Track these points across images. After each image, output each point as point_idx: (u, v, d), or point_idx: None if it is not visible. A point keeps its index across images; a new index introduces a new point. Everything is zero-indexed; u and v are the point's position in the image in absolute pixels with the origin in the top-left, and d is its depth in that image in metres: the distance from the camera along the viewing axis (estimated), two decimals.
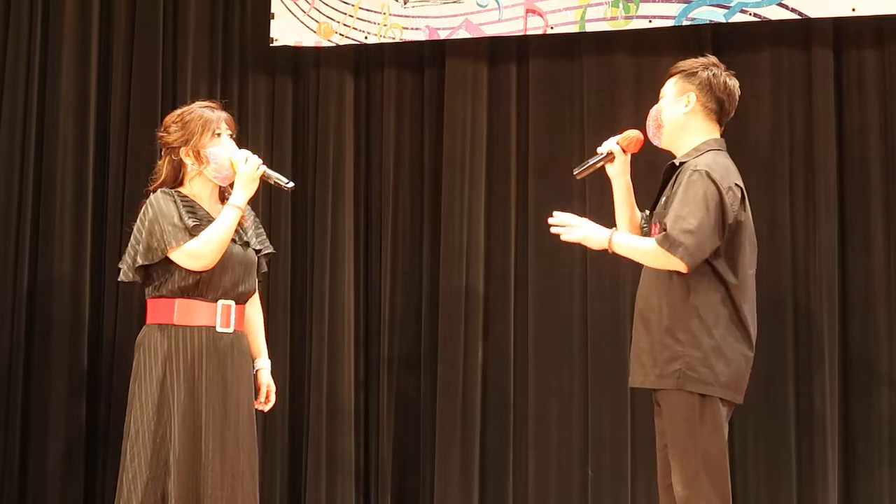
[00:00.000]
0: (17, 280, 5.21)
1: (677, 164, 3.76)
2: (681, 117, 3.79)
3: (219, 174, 4.00)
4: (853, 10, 4.72)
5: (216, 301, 3.92)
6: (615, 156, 3.85)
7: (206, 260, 3.88)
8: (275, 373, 5.16)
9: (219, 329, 3.92)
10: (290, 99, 5.39)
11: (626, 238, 3.71)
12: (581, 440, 5.00)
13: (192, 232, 3.90)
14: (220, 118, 4.03)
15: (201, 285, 3.91)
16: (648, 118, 3.86)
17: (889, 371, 4.78)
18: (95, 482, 5.17)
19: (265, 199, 5.32)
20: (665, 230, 3.60)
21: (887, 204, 4.83)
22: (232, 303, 3.95)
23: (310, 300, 5.25)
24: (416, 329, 5.21)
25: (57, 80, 5.30)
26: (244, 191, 3.93)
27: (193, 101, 5.10)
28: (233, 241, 3.96)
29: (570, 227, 3.76)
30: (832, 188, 4.84)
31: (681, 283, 3.61)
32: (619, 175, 3.88)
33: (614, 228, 3.75)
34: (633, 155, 3.90)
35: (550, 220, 3.76)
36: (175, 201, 3.95)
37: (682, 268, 3.57)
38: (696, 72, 3.80)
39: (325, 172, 5.28)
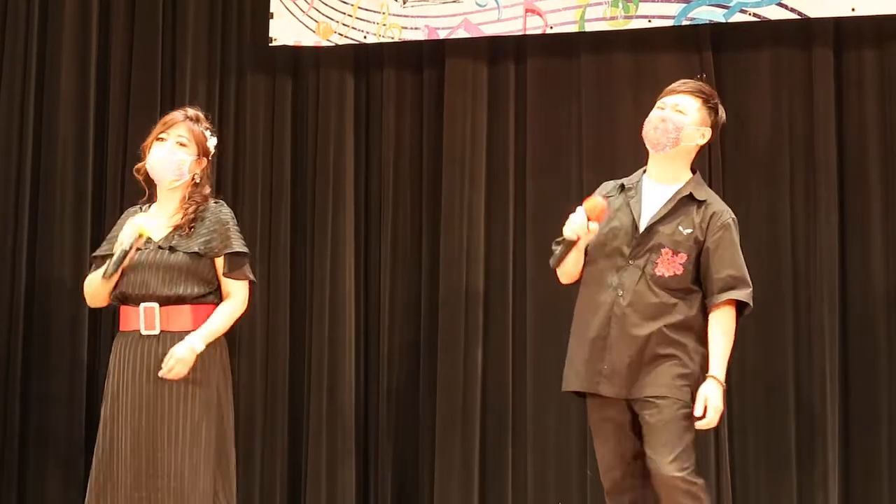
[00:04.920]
0: (16, 279, 5.21)
1: (699, 198, 3.84)
2: (693, 146, 3.87)
3: (151, 173, 4.09)
4: (853, 10, 4.71)
5: (139, 304, 3.97)
6: (590, 231, 3.79)
7: (88, 302, 4.19)
8: (275, 373, 5.23)
9: (143, 332, 3.96)
10: (289, 99, 5.38)
11: (719, 360, 3.75)
12: (580, 440, 4.99)
13: (96, 262, 4.10)
14: (172, 122, 4.09)
15: (123, 292, 4.01)
16: (664, 122, 3.83)
17: (889, 371, 4.77)
18: None
19: (265, 198, 5.33)
20: (672, 254, 3.77)
21: (886, 203, 4.82)
22: (155, 305, 3.96)
23: (310, 300, 5.25)
24: (416, 329, 5.21)
25: (56, 79, 5.30)
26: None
27: (192, 101, 5.18)
28: (159, 247, 4.01)
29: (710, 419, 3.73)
30: (832, 188, 4.83)
31: (690, 303, 3.79)
32: (584, 245, 3.87)
33: (712, 374, 3.74)
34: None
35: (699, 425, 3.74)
36: (123, 219, 4.12)
37: None
38: (717, 109, 3.89)
39: (325, 172, 5.27)
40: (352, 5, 5.21)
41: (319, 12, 5.24)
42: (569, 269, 3.91)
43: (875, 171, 4.83)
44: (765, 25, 4.86)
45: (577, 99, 5.12)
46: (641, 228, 3.82)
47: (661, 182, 3.86)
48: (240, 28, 5.43)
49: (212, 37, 5.40)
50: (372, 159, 5.34)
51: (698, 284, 3.81)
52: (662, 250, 3.78)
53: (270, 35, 5.29)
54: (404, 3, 5.16)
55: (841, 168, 4.86)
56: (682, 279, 3.78)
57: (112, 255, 3.96)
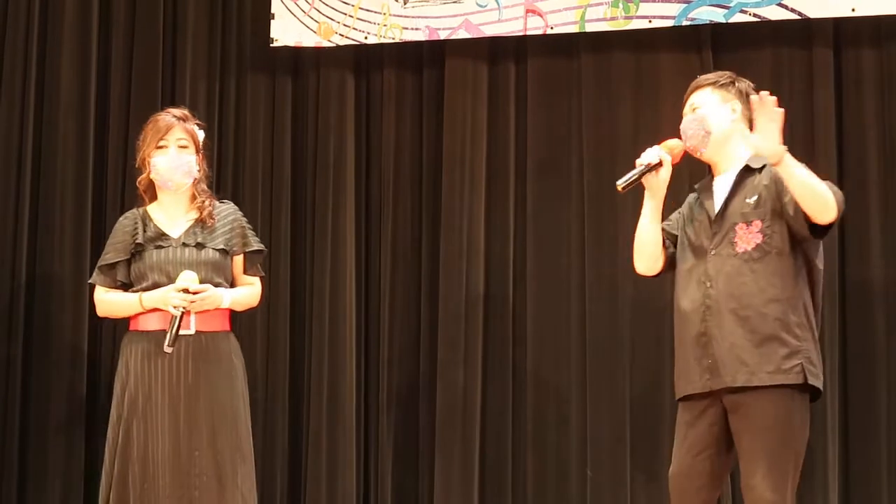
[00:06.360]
0: (16, 278, 5.20)
1: (756, 166, 3.77)
2: (729, 125, 3.82)
3: (160, 181, 4.10)
4: (853, 10, 4.73)
5: None
6: (664, 164, 3.78)
7: (100, 314, 4.26)
8: (275, 372, 5.23)
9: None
10: (289, 99, 5.38)
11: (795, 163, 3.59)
12: (580, 440, 4.99)
13: (104, 272, 4.09)
14: (168, 128, 4.10)
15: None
16: (689, 127, 3.81)
17: (888, 371, 4.78)
18: (96, 483, 5.15)
19: (265, 198, 5.33)
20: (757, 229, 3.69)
21: (886, 202, 4.84)
22: None
23: (310, 300, 5.25)
24: (416, 329, 5.21)
25: (56, 79, 5.30)
26: (156, 301, 3.99)
27: (193, 102, 5.19)
28: (183, 244, 4.04)
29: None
30: None
31: (783, 271, 3.64)
32: (662, 186, 3.82)
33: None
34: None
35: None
36: (128, 223, 4.13)
37: (833, 214, 3.55)
38: (733, 82, 3.87)
39: (325, 172, 5.28)
40: (353, 6, 5.22)
41: (320, 13, 5.25)
42: (646, 248, 3.85)
43: (874, 169, 4.85)
44: (765, 25, 4.88)
45: (577, 99, 5.13)
46: (714, 217, 3.80)
47: (723, 172, 3.83)
48: (240, 28, 5.43)
49: (212, 37, 5.40)
50: (372, 159, 5.34)
51: (793, 247, 3.68)
52: (736, 227, 3.72)
53: (271, 35, 5.29)
54: (405, 3, 5.17)
55: (841, 167, 4.86)
56: (768, 245, 3.68)
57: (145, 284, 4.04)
